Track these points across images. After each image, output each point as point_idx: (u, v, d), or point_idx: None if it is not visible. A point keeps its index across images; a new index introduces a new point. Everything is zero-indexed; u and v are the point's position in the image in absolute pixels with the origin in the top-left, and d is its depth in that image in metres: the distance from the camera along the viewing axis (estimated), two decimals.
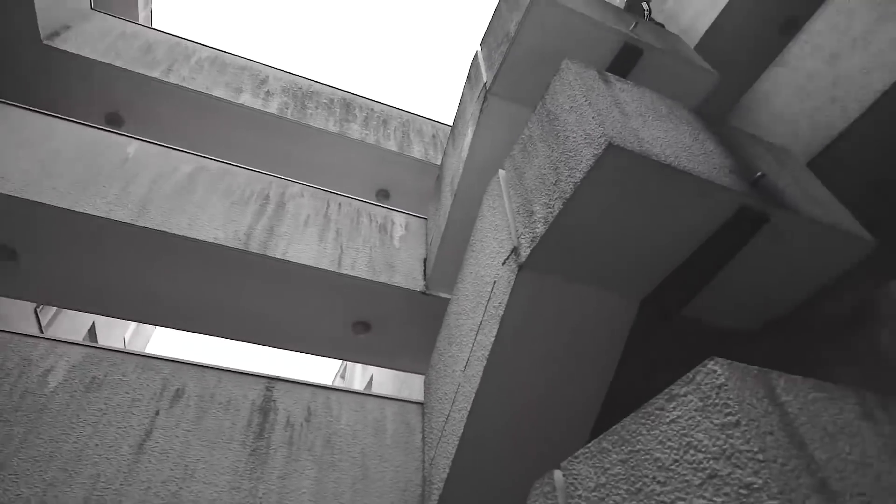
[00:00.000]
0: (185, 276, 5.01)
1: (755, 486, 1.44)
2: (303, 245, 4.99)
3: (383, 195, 7.64)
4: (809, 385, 1.82)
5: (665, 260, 3.28)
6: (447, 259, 5.23)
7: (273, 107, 6.68)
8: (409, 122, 7.83)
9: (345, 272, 5.00)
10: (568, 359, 3.50)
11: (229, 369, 4.01)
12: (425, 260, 5.60)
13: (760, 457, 1.46)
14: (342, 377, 15.72)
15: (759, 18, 5.75)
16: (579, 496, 2.10)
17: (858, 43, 4.06)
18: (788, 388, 1.74)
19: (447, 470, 3.57)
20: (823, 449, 1.60)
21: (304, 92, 7.28)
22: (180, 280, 5.06)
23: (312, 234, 5.16)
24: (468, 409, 3.44)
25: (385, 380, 9.66)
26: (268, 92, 6.89)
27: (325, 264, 4.95)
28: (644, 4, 6.12)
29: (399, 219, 5.90)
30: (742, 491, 1.47)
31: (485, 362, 3.35)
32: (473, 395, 3.42)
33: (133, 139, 5.16)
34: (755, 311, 3.84)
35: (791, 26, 5.58)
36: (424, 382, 4.62)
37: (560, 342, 3.41)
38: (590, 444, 2.13)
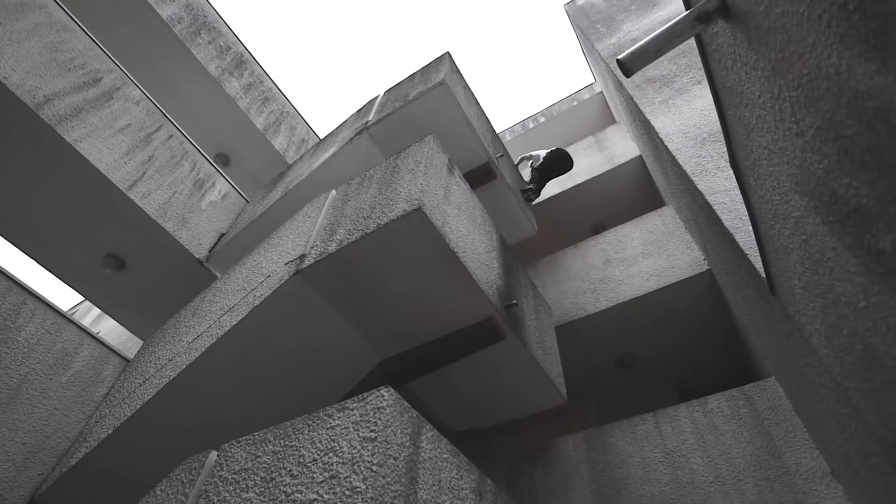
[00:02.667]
0: None
1: (358, 489, 1.67)
2: (103, 147, 4.47)
3: (221, 160, 7.22)
4: (450, 449, 2.18)
5: (415, 333, 3.66)
6: (242, 245, 5.08)
7: (165, 11, 6.16)
8: (289, 115, 7.76)
9: (132, 198, 4.54)
10: (292, 373, 3.57)
11: None
12: (222, 235, 5.35)
13: (375, 468, 1.71)
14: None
15: (577, 220, 7.18)
16: (221, 476, 2.13)
17: (638, 259, 5.30)
18: (433, 439, 2.08)
19: (110, 431, 3.23)
20: (429, 493, 1.91)
21: (206, 22, 6.87)
22: None
23: (122, 143, 4.66)
24: (171, 377, 3.25)
25: (116, 330, 8.36)
26: None
27: (116, 178, 4.46)
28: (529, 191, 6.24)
29: (222, 185, 5.63)
30: (347, 492, 1.69)
31: (214, 340, 3.26)
32: (184, 366, 3.26)
33: None
34: (463, 415, 4.38)
35: (599, 228, 7.04)
36: (143, 343, 4.24)
37: (293, 353, 3.49)
38: (256, 433, 2.21)
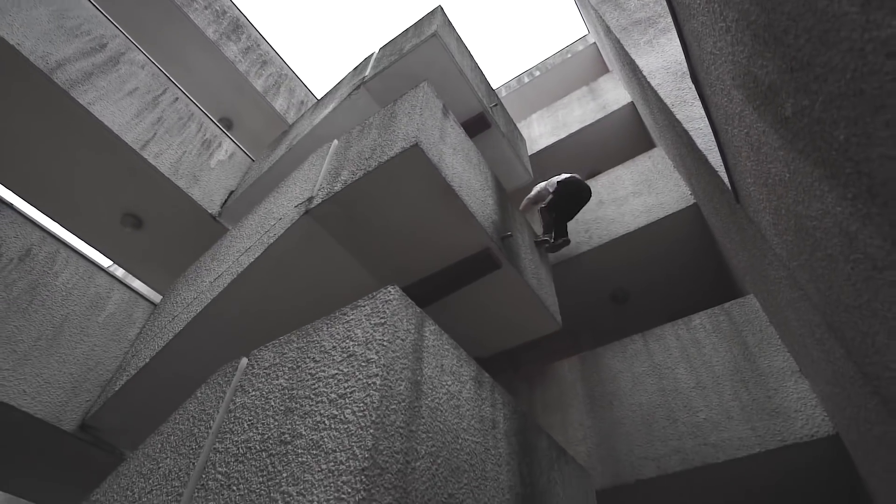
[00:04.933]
0: None
1: (372, 360, 1.99)
2: (115, 109, 4.70)
3: (224, 124, 7.43)
4: (451, 342, 2.50)
5: (417, 266, 3.96)
6: (250, 200, 5.35)
7: None
8: (287, 78, 7.91)
9: (146, 157, 4.80)
10: (303, 308, 3.89)
11: None
12: (232, 192, 5.63)
13: (386, 344, 2.02)
14: None
15: (573, 167, 7.38)
16: (253, 373, 2.46)
17: (630, 198, 5.55)
18: (435, 332, 2.39)
19: (147, 360, 3.58)
20: (433, 372, 2.24)
21: None
22: None
23: (132, 105, 4.89)
24: (197, 311, 3.58)
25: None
26: None
27: (129, 139, 4.70)
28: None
29: (228, 146, 5.87)
30: (363, 363, 2.01)
31: (234, 276, 3.57)
32: (209, 300, 3.58)
33: None
34: (463, 346, 4.72)
35: (594, 173, 7.24)
36: (167, 289, 4.56)
37: (305, 288, 3.80)
38: (282, 336, 2.53)
